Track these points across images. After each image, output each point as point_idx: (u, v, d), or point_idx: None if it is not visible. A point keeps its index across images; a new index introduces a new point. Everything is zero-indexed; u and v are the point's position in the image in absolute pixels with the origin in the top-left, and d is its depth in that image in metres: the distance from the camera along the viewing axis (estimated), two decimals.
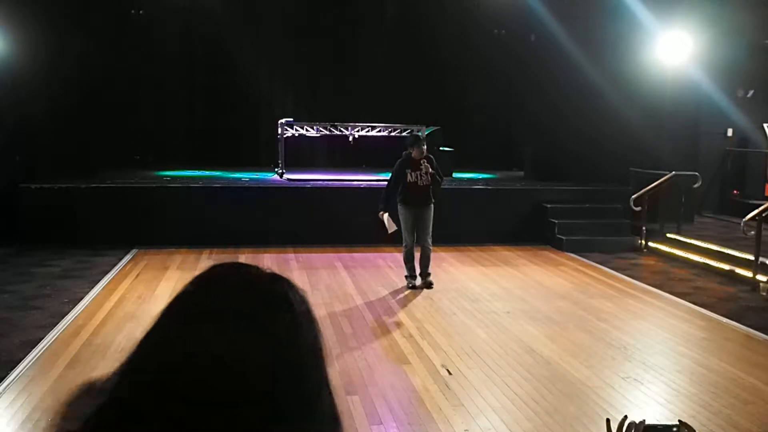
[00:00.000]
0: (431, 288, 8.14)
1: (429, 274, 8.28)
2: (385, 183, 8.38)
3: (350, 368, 5.52)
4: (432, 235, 8.18)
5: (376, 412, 4.71)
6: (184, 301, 0.86)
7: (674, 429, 1.81)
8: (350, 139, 12.11)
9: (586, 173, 11.99)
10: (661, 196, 10.75)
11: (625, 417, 1.81)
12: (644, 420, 1.79)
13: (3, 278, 8.10)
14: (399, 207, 8.08)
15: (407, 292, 7.99)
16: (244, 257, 9.52)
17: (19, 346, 5.83)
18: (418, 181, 7.96)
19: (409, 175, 7.94)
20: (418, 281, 8.22)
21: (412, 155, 7.97)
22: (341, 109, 13.49)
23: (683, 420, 1.88)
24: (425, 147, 8.04)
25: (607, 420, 1.85)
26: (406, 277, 8.28)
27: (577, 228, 10.83)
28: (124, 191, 10.34)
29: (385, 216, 8.02)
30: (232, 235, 10.18)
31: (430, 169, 7.95)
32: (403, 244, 8.14)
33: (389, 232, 8.09)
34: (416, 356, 5.84)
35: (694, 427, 1.86)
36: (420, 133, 8.21)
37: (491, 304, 7.55)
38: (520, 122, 14.13)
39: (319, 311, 7.27)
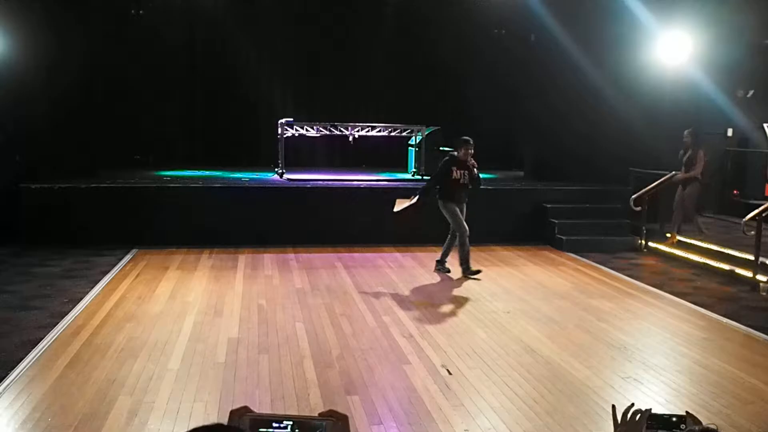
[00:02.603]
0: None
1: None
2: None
3: (350, 368, 5.52)
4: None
5: (376, 412, 4.71)
6: None
7: (674, 419, 1.83)
8: (350, 139, 12.11)
9: (586, 173, 11.99)
10: (661, 196, 10.75)
11: (632, 405, 1.83)
12: (650, 408, 1.81)
13: (3, 278, 8.10)
14: (446, 203, 8.75)
15: (407, 292, 7.98)
16: (244, 257, 9.54)
17: (19, 346, 5.83)
18: (461, 179, 8.69)
19: (454, 172, 8.63)
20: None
21: (458, 156, 8.68)
22: (341, 109, 13.50)
23: (690, 412, 1.89)
24: (472, 150, 8.74)
25: (613, 406, 1.86)
26: (439, 262, 8.99)
27: (577, 228, 10.84)
28: (124, 191, 10.34)
29: (415, 199, 8.75)
30: (232, 235, 10.20)
31: (474, 171, 8.74)
32: (463, 232, 8.71)
33: (395, 210, 8.84)
34: (416, 356, 5.84)
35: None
36: (468, 138, 8.87)
37: (491, 304, 7.55)
38: (520, 122, 14.12)
39: (320, 311, 7.33)
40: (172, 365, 5.49)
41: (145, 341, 6.01)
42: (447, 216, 8.78)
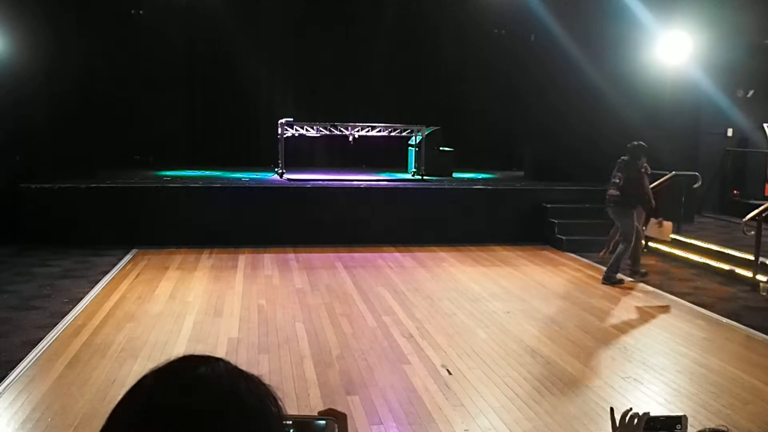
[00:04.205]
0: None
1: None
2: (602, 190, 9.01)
3: (350, 368, 5.52)
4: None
5: (376, 412, 4.71)
6: (139, 395, 0.87)
7: (671, 421, 1.83)
8: (350, 139, 12.11)
9: (586, 173, 11.98)
10: (661, 196, 10.74)
11: (630, 409, 1.83)
12: (648, 412, 1.80)
13: (3, 278, 8.10)
14: (633, 210, 8.60)
15: (407, 292, 7.98)
16: (244, 257, 9.54)
17: (19, 346, 5.83)
18: None
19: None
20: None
21: (641, 162, 8.61)
22: (341, 109, 13.49)
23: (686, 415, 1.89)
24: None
25: (611, 409, 1.86)
26: (635, 272, 8.75)
27: (577, 228, 10.83)
28: (124, 191, 10.34)
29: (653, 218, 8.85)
30: (231, 235, 10.20)
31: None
32: (633, 243, 8.58)
33: (668, 239, 9.03)
34: (416, 356, 5.84)
35: (695, 427, 1.87)
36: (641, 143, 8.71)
37: (491, 304, 7.55)
38: (520, 122, 14.12)
39: (319, 311, 7.32)
40: None
41: (145, 341, 6.01)
42: (630, 220, 8.51)
